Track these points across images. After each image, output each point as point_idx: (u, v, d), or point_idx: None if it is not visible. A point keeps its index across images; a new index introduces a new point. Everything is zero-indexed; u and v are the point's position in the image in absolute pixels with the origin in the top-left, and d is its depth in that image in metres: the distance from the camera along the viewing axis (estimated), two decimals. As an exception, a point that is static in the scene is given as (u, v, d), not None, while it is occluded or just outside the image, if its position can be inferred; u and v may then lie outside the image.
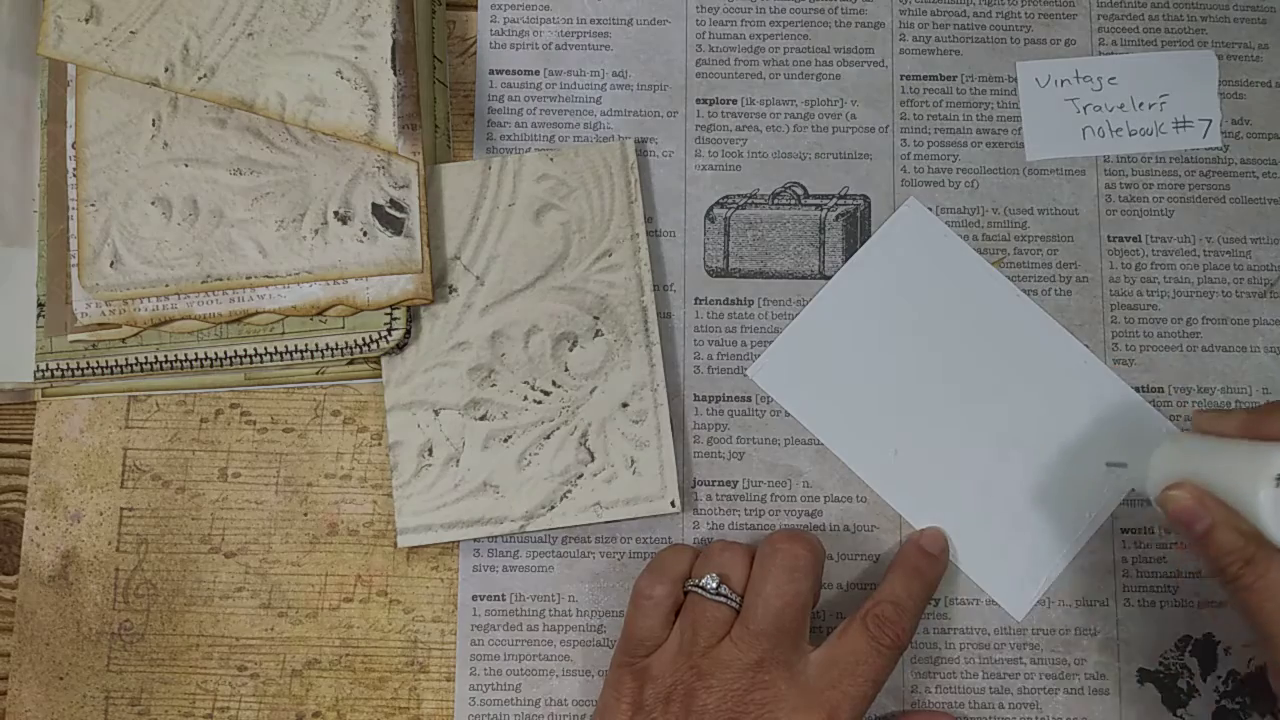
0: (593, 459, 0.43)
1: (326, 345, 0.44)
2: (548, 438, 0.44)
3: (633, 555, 0.44)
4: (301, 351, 0.44)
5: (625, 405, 0.44)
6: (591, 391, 0.44)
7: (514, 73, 0.48)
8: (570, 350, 0.44)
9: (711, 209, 0.46)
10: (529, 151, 0.46)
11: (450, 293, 0.45)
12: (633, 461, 0.43)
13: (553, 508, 0.43)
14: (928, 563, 0.42)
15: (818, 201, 0.46)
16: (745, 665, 0.38)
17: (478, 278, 0.44)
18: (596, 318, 0.44)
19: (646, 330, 0.44)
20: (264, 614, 0.44)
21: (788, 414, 0.45)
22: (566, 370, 0.44)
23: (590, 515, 0.43)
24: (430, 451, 0.44)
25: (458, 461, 0.44)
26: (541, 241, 0.45)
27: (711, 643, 0.39)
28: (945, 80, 0.47)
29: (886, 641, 0.39)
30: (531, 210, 0.45)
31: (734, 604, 0.40)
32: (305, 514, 0.45)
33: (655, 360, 0.44)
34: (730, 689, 0.38)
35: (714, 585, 0.40)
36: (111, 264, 0.44)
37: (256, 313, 0.44)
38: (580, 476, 0.43)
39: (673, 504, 0.43)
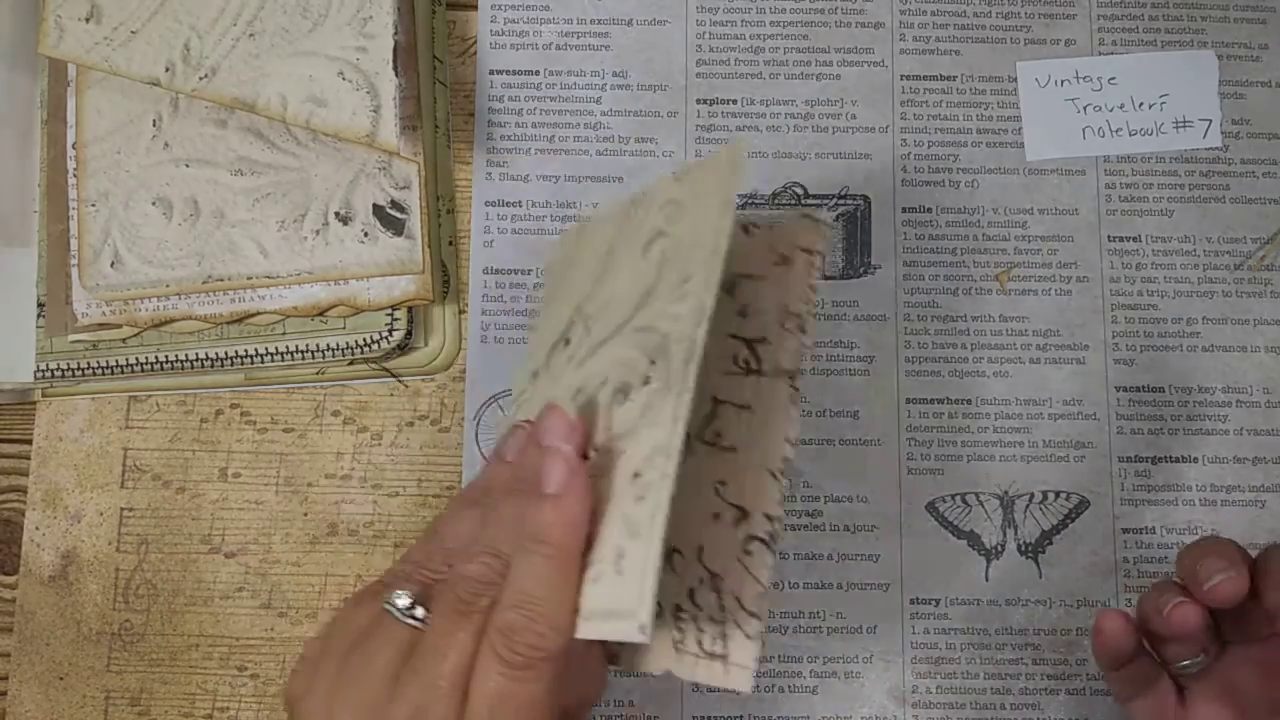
0: (589, 548, 0.31)
1: (327, 346, 0.44)
2: None
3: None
4: (302, 352, 0.44)
5: (637, 475, 0.31)
6: (619, 458, 0.32)
7: (514, 73, 0.48)
8: (621, 405, 0.33)
9: (712, 209, 0.46)
10: (663, 173, 0.40)
11: (564, 345, 0.37)
12: (621, 556, 0.29)
13: None
14: (548, 514, 0.30)
15: (818, 201, 0.46)
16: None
17: (587, 327, 0.36)
18: (653, 362, 0.32)
19: (686, 371, 0.30)
20: (264, 614, 0.44)
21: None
22: (610, 429, 0.33)
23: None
24: None
25: None
26: (641, 276, 0.34)
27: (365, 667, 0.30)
28: (945, 80, 0.47)
29: (522, 659, 0.28)
30: (644, 241, 0.35)
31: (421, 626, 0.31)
32: (305, 514, 0.45)
33: (680, 415, 0.30)
34: None
35: (405, 604, 0.31)
36: (112, 264, 0.44)
37: (257, 313, 0.44)
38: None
39: (640, 630, 0.27)
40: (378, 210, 0.44)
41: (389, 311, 0.44)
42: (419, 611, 0.31)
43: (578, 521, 0.30)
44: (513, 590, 0.29)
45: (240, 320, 0.44)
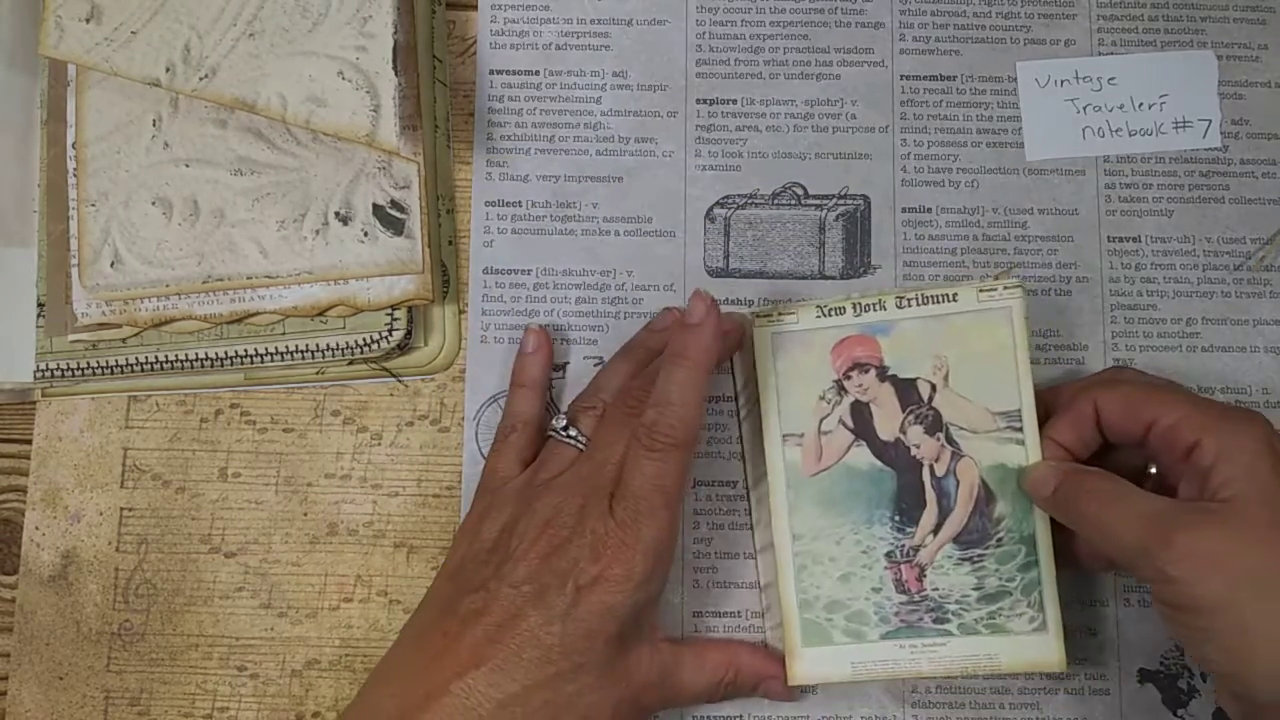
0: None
1: (327, 345, 0.44)
2: None
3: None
4: (302, 352, 0.44)
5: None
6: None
7: (514, 73, 0.48)
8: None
9: (711, 209, 0.46)
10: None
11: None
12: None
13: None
14: (689, 338, 0.39)
15: (818, 201, 0.46)
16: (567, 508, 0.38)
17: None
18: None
19: None
20: (264, 614, 0.44)
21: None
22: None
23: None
24: None
25: None
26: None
27: (549, 477, 0.40)
28: (945, 80, 0.47)
29: (660, 446, 0.37)
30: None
31: (580, 445, 0.40)
32: (305, 514, 0.45)
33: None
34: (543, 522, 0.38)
35: (561, 425, 0.41)
36: (112, 264, 0.44)
37: (257, 313, 0.44)
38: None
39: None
40: (378, 210, 0.44)
41: (389, 311, 0.44)
42: (573, 431, 0.41)
43: (710, 344, 0.39)
44: (654, 396, 0.38)
45: (240, 320, 0.44)
